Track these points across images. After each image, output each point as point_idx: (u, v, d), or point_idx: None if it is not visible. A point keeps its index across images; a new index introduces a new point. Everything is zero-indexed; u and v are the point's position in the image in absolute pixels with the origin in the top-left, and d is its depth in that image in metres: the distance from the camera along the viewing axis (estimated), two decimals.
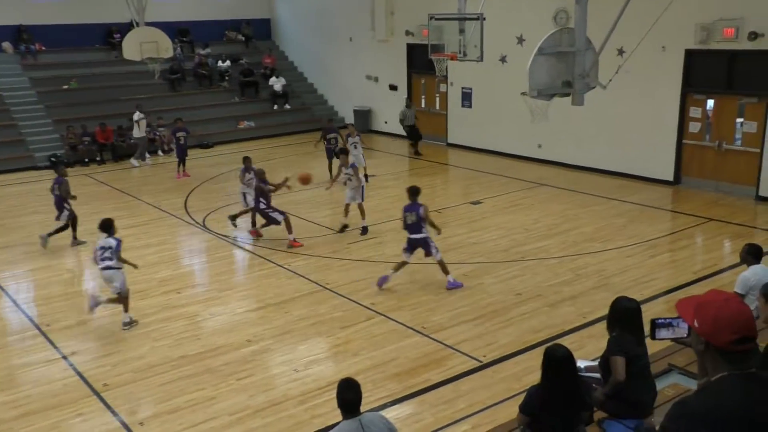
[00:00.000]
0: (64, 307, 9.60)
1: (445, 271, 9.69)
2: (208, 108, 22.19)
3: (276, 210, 11.71)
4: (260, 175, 11.82)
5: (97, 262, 8.82)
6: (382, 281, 9.74)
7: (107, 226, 8.98)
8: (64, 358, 8.07)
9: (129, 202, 14.68)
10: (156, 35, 18.02)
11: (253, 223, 12.42)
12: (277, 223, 11.68)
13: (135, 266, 9.12)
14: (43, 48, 21.88)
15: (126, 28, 20.25)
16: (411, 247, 9.64)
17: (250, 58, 24.53)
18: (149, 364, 7.85)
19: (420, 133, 19.40)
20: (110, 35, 22.66)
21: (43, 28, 21.69)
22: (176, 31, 23.12)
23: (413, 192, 9.67)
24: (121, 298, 8.83)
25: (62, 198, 11.86)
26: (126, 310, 8.86)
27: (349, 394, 4.45)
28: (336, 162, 14.06)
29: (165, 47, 18.12)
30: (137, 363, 7.87)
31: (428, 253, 9.65)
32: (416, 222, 9.50)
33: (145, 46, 17.69)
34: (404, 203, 9.78)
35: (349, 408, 4.44)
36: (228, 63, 23.77)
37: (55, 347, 8.34)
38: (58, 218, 11.95)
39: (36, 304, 9.83)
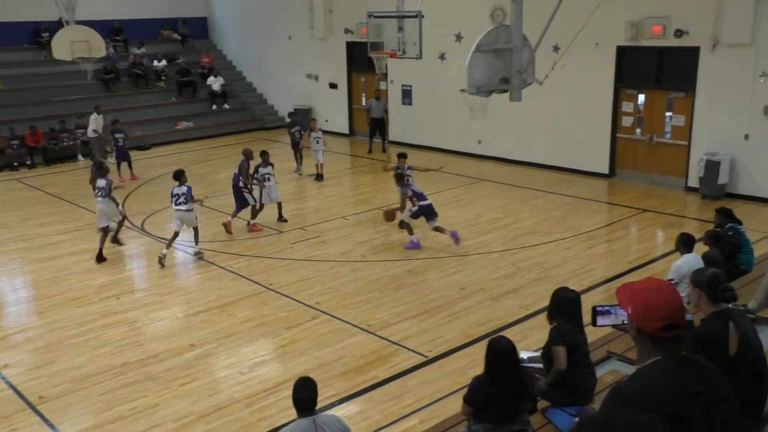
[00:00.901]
0: None
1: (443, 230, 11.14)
2: (144, 109, 21.66)
3: (251, 194, 12.42)
4: (248, 156, 12.37)
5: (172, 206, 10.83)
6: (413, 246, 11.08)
7: (179, 176, 10.71)
8: None
9: (62, 207, 14.19)
10: (87, 34, 17.47)
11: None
12: (247, 204, 12.38)
13: (201, 203, 11.23)
14: None
15: (55, 26, 19.57)
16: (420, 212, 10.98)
17: (187, 58, 24.01)
18: (88, 373, 7.60)
19: (385, 129, 19.14)
20: (38, 34, 21.82)
21: None
22: (109, 29, 22.45)
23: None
24: (196, 233, 11.00)
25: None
26: (197, 242, 11.09)
27: (304, 393, 4.43)
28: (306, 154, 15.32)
29: (97, 46, 17.59)
30: (75, 373, 7.62)
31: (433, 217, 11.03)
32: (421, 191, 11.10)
33: (76, 46, 17.12)
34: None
35: (304, 407, 4.41)
36: (164, 62, 23.25)
37: None
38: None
39: None
